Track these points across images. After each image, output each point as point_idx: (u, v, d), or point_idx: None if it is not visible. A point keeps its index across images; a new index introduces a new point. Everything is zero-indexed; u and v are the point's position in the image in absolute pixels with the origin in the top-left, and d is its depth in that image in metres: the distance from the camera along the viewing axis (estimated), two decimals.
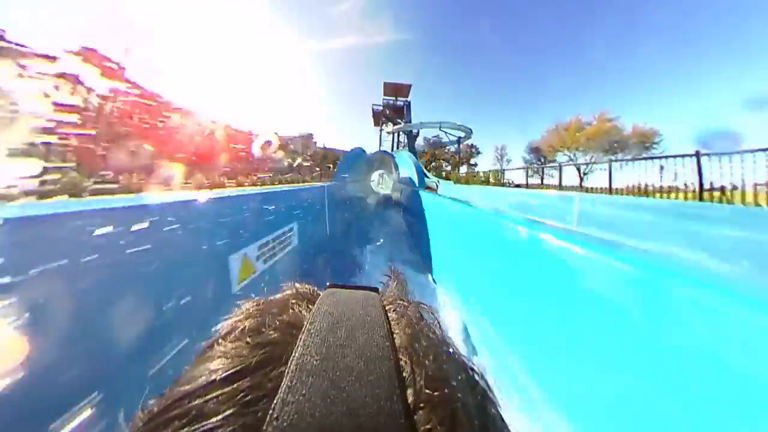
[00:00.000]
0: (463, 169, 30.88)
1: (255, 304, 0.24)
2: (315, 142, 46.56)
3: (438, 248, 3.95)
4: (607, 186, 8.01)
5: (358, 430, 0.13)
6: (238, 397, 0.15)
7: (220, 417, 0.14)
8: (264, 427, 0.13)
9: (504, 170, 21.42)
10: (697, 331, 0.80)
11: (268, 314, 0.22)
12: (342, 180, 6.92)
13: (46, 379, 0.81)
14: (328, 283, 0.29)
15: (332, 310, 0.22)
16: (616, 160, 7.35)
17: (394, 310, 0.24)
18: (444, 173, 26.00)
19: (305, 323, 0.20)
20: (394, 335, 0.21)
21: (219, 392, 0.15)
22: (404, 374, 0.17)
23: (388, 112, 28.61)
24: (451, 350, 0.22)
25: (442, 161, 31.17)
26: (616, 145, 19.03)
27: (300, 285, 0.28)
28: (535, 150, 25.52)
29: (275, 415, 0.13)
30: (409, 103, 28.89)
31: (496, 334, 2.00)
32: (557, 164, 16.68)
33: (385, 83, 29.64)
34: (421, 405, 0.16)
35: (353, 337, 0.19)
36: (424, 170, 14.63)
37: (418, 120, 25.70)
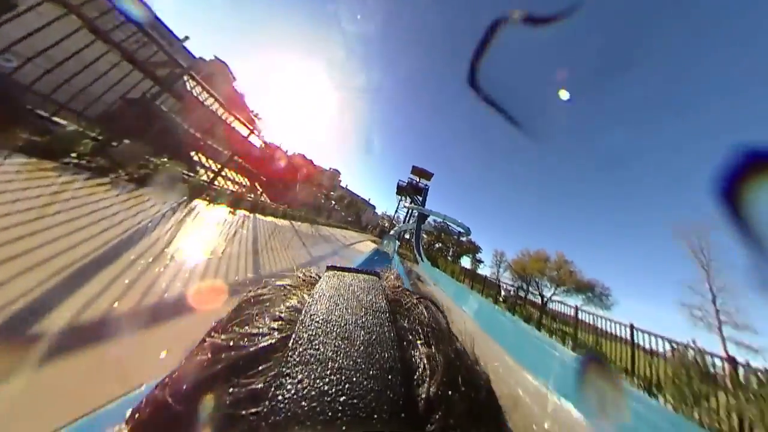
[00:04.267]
0: (467, 261, 35.16)
1: (260, 289, 0.25)
2: (340, 180, 52.45)
3: None
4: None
5: (358, 418, 0.13)
6: (236, 380, 0.15)
7: (218, 404, 0.14)
8: (262, 411, 0.13)
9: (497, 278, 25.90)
10: None
11: (271, 299, 0.22)
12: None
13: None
14: (327, 266, 0.29)
15: (332, 292, 0.22)
16: (581, 309, 9.08)
17: (395, 296, 0.24)
18: (450, 258, 31.98)
19: (305, 306, 0.20)
20: (397, 320, 0.20)
21: (217, 377, 0.15)
22: (408, 362, 0.17)
23: (409, 188, 34.59)
24: (453, 340, 0.21)
25: (449, 246, 35.58)
26: (573, 286, 23.56)
27: (304, 269, 0.28)
28: (509, 267, 30.10)
29: (272, 403, 0.13)
30: (428, 187, 34.74)
31: None
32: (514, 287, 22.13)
33: (413, 166, 36.62)
34: (428, 395, 0.15)
35: (354, 319, 0.19)
36: (421, 249, 24.13)
37: (431, 206, 32.17)
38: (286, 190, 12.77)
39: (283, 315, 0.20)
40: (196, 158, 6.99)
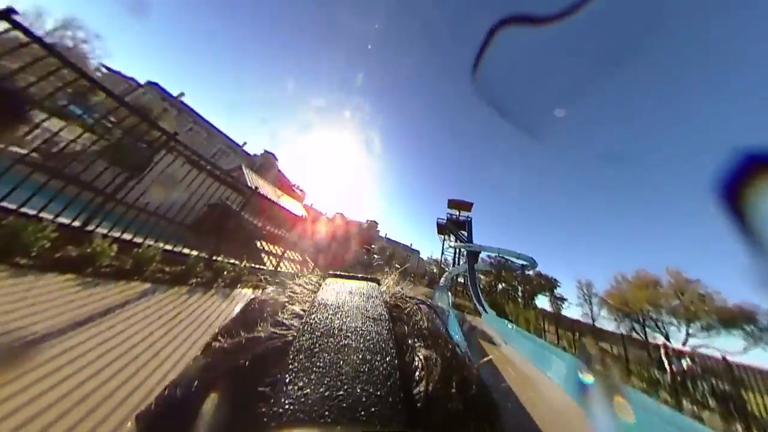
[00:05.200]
0: (544, 301, 26.98)
1: (263, 296, 0.25)
2: (378, 231, 53.87)
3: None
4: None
5: (357, 421, 0.13)
6: (239, 384, 0.15)
7: (222, 407, 0.14)
8: (264, 415, 0.13)
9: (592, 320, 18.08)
10: None
11: (274, 306, 0.23)
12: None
13: None
14: (329, 272, 0.30)
15: (333, 299, 0.23)
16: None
17: (395, 302, 0.25)
18: (521, 300, 24.64)
19: (306, 313, 0.20)
20: (396, 326, 0.21)
21: (221, 380, 0.16)
22: (406, 367, 0.17)
23: (450, 225, 33.24)
24: (451, 345, 0.22)
25: (515, 284, 27.29)
26: (714, 318, 13.30)
27: (306, 276, 0.29)
28: (604, 302, 21.50)
29: (274, 407, 0.13)
30: (471, 219, 31.45)
31: None
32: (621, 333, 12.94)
33: (449, 200, 34.50)
34: (425, 398, 0.15)
35: (354, 325, 0.19)
36: (480, 295, 20.35)
37: (479, 240, 27.89)
38: (332, 255, 13.65)
39: (285, 321, 0.20)
40: (260, 246, 8.16)
